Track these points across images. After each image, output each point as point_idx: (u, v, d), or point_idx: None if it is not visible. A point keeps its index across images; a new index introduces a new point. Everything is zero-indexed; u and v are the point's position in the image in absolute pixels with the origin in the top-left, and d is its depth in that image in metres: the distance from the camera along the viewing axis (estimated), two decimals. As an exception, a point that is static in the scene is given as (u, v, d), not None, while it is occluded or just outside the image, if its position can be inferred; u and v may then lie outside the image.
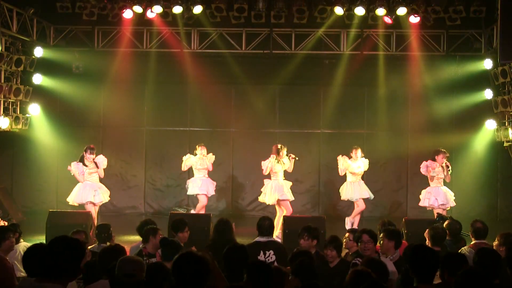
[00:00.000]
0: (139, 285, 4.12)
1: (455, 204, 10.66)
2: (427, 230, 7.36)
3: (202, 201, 11.38)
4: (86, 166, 10.52)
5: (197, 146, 11.49)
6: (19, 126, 12.53)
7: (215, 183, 11.60)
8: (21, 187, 13.79)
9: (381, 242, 6.03)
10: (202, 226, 9.26)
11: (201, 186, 11.33)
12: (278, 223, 10.51)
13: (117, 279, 4.14)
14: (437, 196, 10.53)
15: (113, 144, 13.92)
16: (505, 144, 12.48)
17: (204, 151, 11.41)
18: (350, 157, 11.26)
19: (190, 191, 11.49)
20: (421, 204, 10.82)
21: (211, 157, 11.48)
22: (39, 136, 13.48)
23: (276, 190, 10.81)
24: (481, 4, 12.32)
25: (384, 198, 13.73)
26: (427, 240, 7.24)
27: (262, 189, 11.05)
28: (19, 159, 13.89)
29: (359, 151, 11.25)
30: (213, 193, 11.56)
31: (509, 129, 12.13)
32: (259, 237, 6.82)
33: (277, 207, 11.07)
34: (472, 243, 6.50)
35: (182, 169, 11.55)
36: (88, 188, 10.50)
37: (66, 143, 13.00)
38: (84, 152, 10.54)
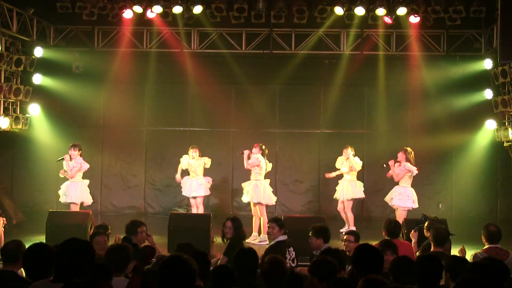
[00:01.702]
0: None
1: (392, 204, 10.49)
2: (412, 231, 7.34)
3: (190, 201, 11.48)
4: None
5: (190, 148, 11.40)
6: (19, 126, 12.52)
7: (202, 184, 11.28)
8: (21, 187, 13.79)
9: (310, 240, 6.50)
10: (202, 226, 9.26)
11: (183, 187, 11.37)
12: (257, 225, 10.52)
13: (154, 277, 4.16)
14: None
15: (113, 144, 13.93)
16: (505, 144, 12.48)
17: (196, 153, 11.31)
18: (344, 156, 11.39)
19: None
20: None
21: (199, 162, 11.22)
22: (39, 136, 13.48)
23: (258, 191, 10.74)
24: (481, 4, 12.31)
25: (384, 198, 13.72)
26: (413, 241, 7.23)
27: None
28: (19, 159, 13.89)
29: (348, 150, 11.34)
30: (196, 194, 11.24)
31: (509, 129, 12.12)
32: (285, 235, 7.07)
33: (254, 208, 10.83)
34: (485, 247, 6.33)
35: (177, 174, 11.42)
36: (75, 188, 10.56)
37: (66, 143, 12.93)
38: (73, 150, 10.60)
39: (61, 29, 13.31)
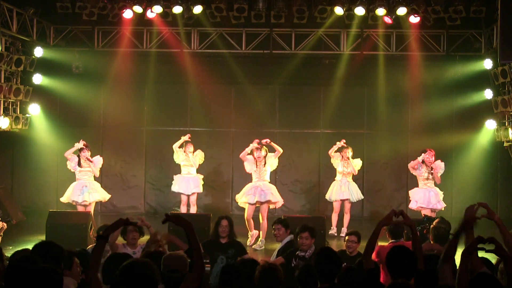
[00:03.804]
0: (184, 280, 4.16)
1: (439, 206, 10.53)
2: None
3: (182, 199, 11.51)
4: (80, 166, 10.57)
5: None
6: (19, 126, 12.53)
7: (197, 180, 11.47)
8: (21, 187, 13.79)
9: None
10: (202, 226, 9.25)
11: (179, 184, 11.45)
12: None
13: (162, 275, 4.15)
14: (417, 198, 10.59)
15: (113, 144, 13.93)
16: (505, 144, 12.48)
17: (188, 149, 11.38)
18: (343, 157, 11.33)
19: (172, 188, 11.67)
20: (410, 206, 10.84)
21: (193, 156, 11.37)
22: (39, 136, 13.48)
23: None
24: (481, 4, 12.31)
25: (384, 198, 13.73)
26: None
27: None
28: (19, 159, 13.88)
29: (348, 151, 11.31)
30: (189, 191, 11.40)
31: (509, 129, 12.13)
32: (291, 235, 7.18)
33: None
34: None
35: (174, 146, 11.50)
36: (76, 187, 10.54)
37: (66, 143, 12.93)
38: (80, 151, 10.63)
39: (61, 29, 13.31)
